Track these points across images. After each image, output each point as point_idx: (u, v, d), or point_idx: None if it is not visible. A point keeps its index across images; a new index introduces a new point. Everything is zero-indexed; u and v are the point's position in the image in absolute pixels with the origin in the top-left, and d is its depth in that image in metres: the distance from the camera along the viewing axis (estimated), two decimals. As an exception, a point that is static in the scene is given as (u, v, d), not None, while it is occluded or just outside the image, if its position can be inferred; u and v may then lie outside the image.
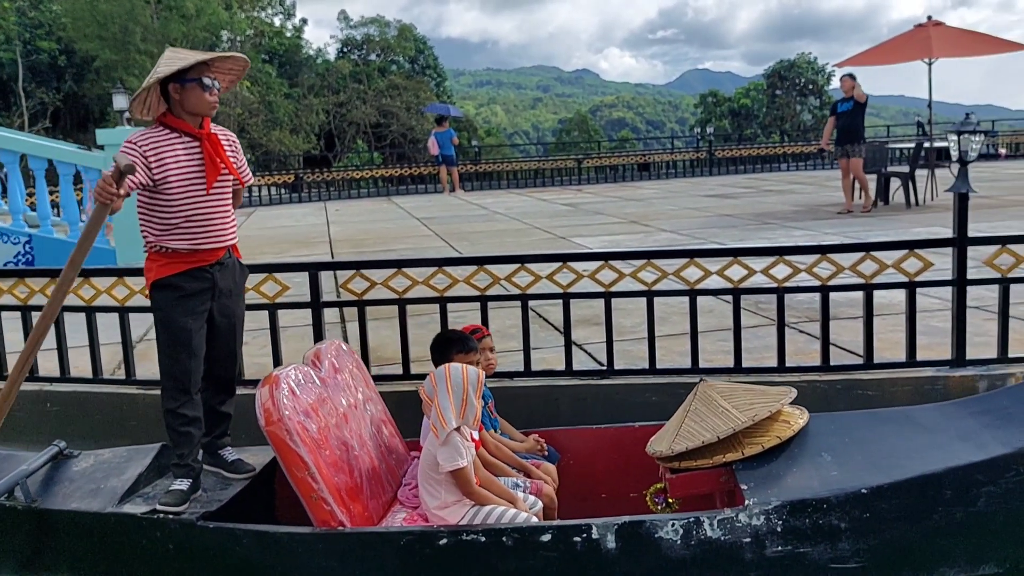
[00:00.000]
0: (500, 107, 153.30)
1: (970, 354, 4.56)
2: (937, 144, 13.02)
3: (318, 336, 4.69)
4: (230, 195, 3.43)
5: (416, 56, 45.44)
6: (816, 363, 4.61)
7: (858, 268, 4.55)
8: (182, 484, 3.24)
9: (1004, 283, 4.52)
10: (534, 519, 3.06)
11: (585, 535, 2.87)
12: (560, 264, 4.68)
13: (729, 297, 4.65)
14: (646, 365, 4.66)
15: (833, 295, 4.60)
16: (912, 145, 12.80)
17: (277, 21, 40.46)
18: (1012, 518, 3.02)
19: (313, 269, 4.74)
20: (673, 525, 2.91)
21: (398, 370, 4.81)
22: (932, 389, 4.40)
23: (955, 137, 4.70)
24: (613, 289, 4.67)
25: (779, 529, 2.93)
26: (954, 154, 4.73)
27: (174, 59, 3.22)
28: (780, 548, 2.95)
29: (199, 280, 3.28)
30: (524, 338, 4.70)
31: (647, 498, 3.39)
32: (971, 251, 4.54)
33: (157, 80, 3.17)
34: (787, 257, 4.62)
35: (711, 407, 3.32)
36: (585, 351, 5.20)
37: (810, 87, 46.56)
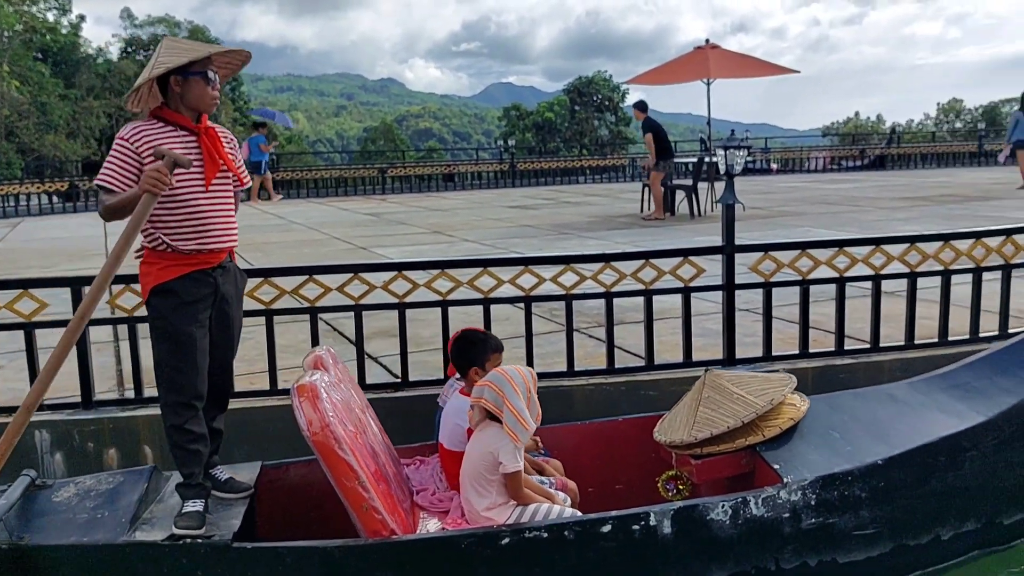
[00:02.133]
0: (302, 114, 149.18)
1: (740, 353, 4.90)
2: (716, 159, 14.07)
3: (82, 357, 4.31)
4: (231, 194, 3.26)
5: (209, 60, 43.20)
6: (602, 367, 4.78)
7: (639, 275, 4.77)
8: (196, 505, 3.03)
9: (767, 287, 4.90)
10: (577, 513, 3.09)
11: (643, 523, 2.98)
12: (351, 276, 4.56)
13: (523, 305, 4.74)
14: (442, 376, 4.64)
15: (618, 300, 4.80)
16: (695, 160, 13.74)
17: (51, 16, 37.18)
18: (988, 478, 3.45)
19: (76, 284, 4.34)
20: (723, 507, 3.06)
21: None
22: (707, 387, 4.68)
23: (723, 152, 5.04)
24: (408, 300, 4.62)
25: (813, 503, 3.16)
26: (722, 168, 5.07)
27: (178, 49, 3.06)
28: (814, 520, 3.18)
29: (202, 285, 3.09)
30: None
31: (659, 485, 3.53)
32: (739, 257, 4.89)
33: (166, 70, 2.99)
34: (574, 265, 4.77)
35: (725, 394, 3.50)
36: (380, 364, 5.10)
37: (607, 103, 48.85)
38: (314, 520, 3.48)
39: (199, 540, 2.91)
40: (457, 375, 3.68)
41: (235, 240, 3.25)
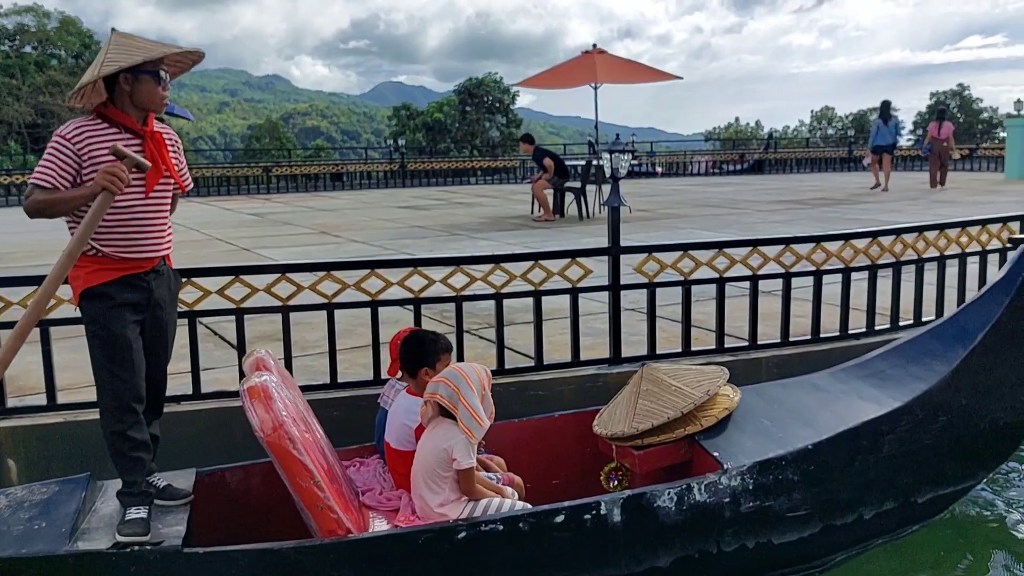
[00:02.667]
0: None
1: (626, 352, 5.00)
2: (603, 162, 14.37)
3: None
4: (169, 200, 3.19)
5: (82, 51, 41.11)
6: (492, 367, 4.78)
7: (528, 276, 4.80)
8: (140, 512, 2.96)
9: (651, 287, 5.02)
10: (528, 506, 3.13)
11: (595, 512, 3.07)
12: (233, 278, 4.40)
13: (412, 307, 4.69)
14: (327, 380, 4.55)
15: (507, 301, 4.81)
16: (583, 163, 13.97)
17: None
18: (904, 460, 3.71)
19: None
20: (669, 494, 3.20)
21: (40, 400, 4.24)
22: (594, 386, 4.76)
23: (608, 156, 5.14)
24: (292, 303, 4.50)
25: (751, 487, 3.34)
26: (607, 171, 5.16)
27: (130, 47, 2.94)
28: (752, 504, 3.35)
29: (135, 289, 3.03)
30: (192, 358, 4.36)
31: (602, 478, 3.65)
32: (625, 258, 4.99)
33: (118, 69, 2.88)
34: (464, 267, 4.75)
35: (663, 387, 3.65)
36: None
37: (497, 105, 49.09)
38: (253, 525, 3.40)
39: (147, 547, 2.83)
40: (398, 375, 3.66)
41: (170, 246, 3.19)
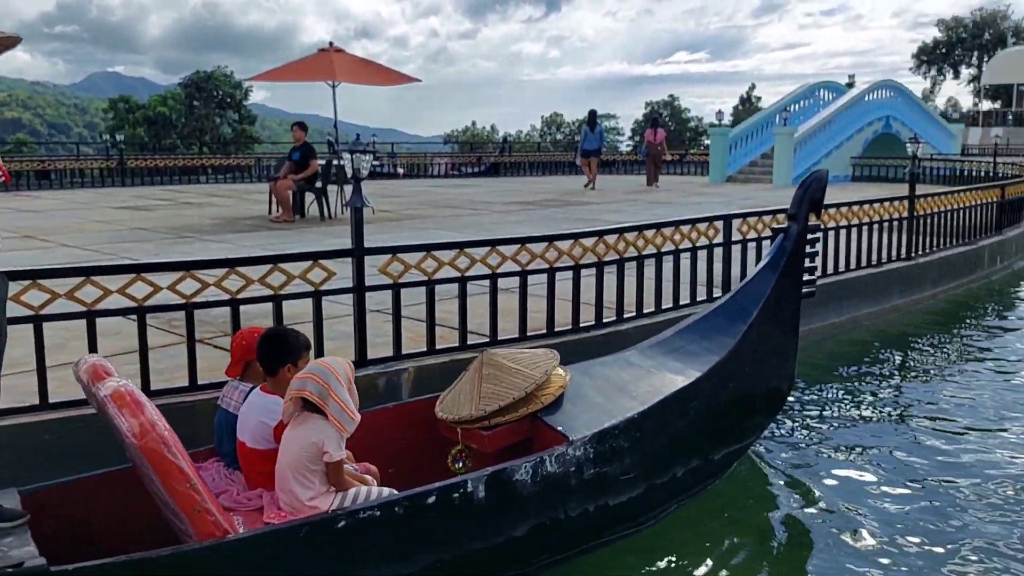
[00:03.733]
0: None
1: (372, 354, 4.96)
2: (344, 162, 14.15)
3: None
4: None
5: None
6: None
7: (267, 280, 4.60)
8: None
9: (396, 288, 5.02)
10: (394, 491, 3.21)
11: (462, 490, 3.25)
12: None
13: (136, 316, 4.31)
14: (37, 401, 4.06)
15: (245, 308, 4.58)
16: (323, 162, 13.66)
17: None
18: (704, 423, 4.24)
19: None
20: (525, 468, 3.43)
21: None
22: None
23: (349, 155, 5.06)
24: (-12, 316, 3.95)
25: (592, 456, 3.67)
26: (349, 171, 5.09)
27: None
28: (593, 471, 3.68)
29: None
30: None
31: (449, 460, 3.86)
32: (369, 260, 4.94)
33: None
34: (195, 272, 4.45)
35: (504, 370, 3.91)
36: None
37: (228, 100, 46.71)
38: (101, 541, 3.12)
39: (9, 570, 2.62)
40: (239, 376, 3.63)
41: None
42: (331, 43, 14.96)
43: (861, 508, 4.54)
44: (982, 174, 18.20)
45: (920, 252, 9.48)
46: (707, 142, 28.83)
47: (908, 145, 15.35)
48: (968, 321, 9.11)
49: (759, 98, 72.77)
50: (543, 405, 3.83)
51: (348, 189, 13.75)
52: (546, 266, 5.59)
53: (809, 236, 4.69)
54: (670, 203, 15.63)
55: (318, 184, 13.02)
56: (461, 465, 3.84)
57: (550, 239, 5.66)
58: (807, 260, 4.71)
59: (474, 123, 73.55)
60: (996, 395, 6.45)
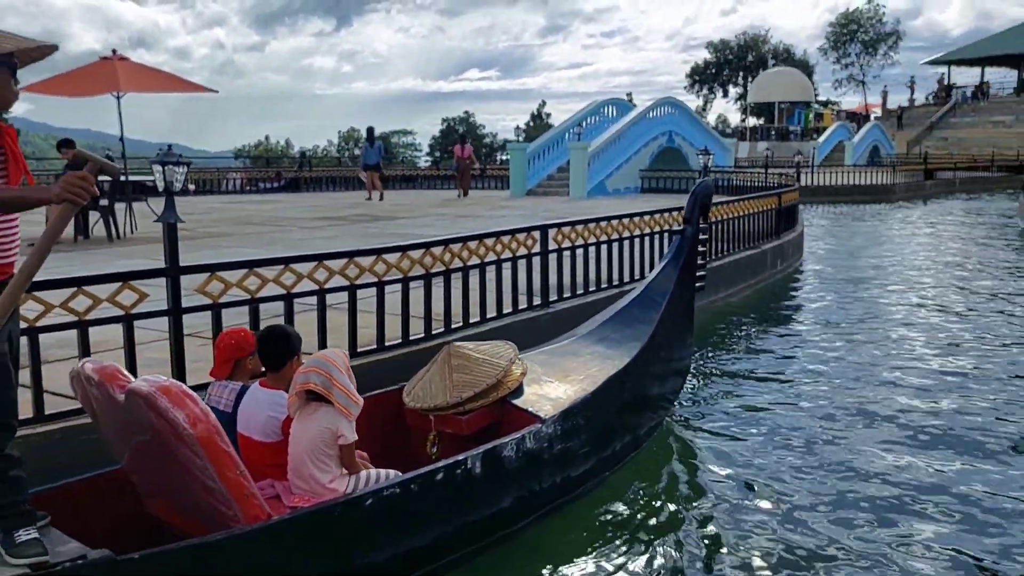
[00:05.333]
0: None
1: (191, 380, 4.61)
2: (133, 178, 13.16)
3: None
4: None
5: None
6: (29, 415, 4.07)
7: (70, 305, 4.18)
8: (30, 532, 2.81)
9: (216, 308, 4.72)
10: (398, 473, 3.52)
11: (463, 467, 3.63)
12: None
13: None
14: None
15: (44, 337, 4.14)
16: (109, 179, 12.63)
17: None
18: (632, 401, 4.90)
19: None
20: (511, 445, 3.87)
21: None
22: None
23: (160, 168, 4.71)
24: None
25: (559, 432, 4.16)
26: (160, 184, 4.74)
27: None
28: (560, 446, 4.19)
29: None
30: None
31: (428, 446, 4.18)
32: (184, 280, 4.61)
33: None
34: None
35: (472, 360, 4.31)
36: None
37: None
38: (113, 538, 3.04)
39: (78, 562, 2.73)
40: (228, 376, 3.78)
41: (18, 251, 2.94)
42: (114, 51, 13.93)
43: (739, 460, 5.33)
44: (756, 184, 19.95)
45: (713, 257, 10.21)
46: (504, 157, 29.59)
47: (700, 157, 16.52)
48: (761, 316, 9.92)
49: (549, 114, 75.93)
50: (510, 390, 4.28)
51: (138, 207, 12.88)
52: (374, 280, 5.48)
53: (700, 236, 5.58)
54: (478, 216, 15.85)
55: (103, 202, 12.02)
56: (435, 449, 4.15)
57: (379, 252, 5.55)
58: (699, 258, 5.61)
59: (267, 137, 71.27)
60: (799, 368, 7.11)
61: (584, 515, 4.44)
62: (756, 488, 4.86)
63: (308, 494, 3.33)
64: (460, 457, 3.66)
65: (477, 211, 17.29)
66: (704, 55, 72.92)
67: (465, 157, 23.22)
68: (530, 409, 4.16)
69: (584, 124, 25.47)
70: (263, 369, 3.69)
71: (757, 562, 4.03)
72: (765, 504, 4.65)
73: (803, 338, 8.92)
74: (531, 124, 71.75)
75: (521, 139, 31.49)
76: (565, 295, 7.32)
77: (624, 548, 4.17)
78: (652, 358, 5.03)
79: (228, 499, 2.95)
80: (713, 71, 70.86)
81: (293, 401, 3.36)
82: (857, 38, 65.60)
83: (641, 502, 4.70)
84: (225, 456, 2.92)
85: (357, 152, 63.20)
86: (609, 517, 4.48)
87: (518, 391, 4.30)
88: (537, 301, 6.96)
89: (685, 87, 71.43)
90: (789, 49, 69.96)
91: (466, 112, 73.88)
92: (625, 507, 4.60)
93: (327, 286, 5.20)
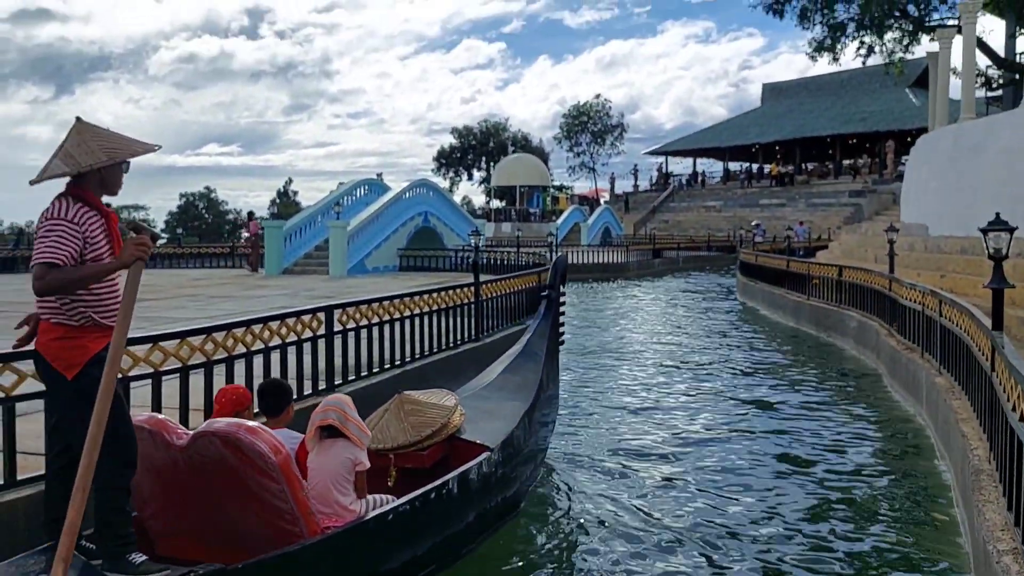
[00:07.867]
0: None
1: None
2: None
3: None
4: None
5: None
6: None
7: None
8: (141, 555, 3.31)
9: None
10: (392, 497, 4.25)
11: (447, 489, 4.42)
12: None
13: None
14: None
15: None
16: None
17: None
18: (537, 433, 5.95)
19: None
20: (475, 471, 4.72)
21: None
22: None
23: None
24: None
25: (502, 459, 5.06)
26: None
27: (115, 139, 3.34)
28: (501, 471, 5.06)
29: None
30: None
31: (390, 480, 4.72)
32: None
33: (114, 161, 3.30)
34: None
35: (423, 405, 5.15)
36: None
37: None
38: None
39: (190, 574, 3.17)
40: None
41: None
42: None
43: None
44: (508, 263, 20.78)
45: (486, 332, 10.42)
46: (246, 235, 28.34)
47: (471, 237, 16.86)
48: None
49: (296, 192, 74.79)
50: (457, 427, 5.16)
51: None
52: (150, 371, 4.96)
53: (561, 299, 7.01)
54: (234, 296, 15.05)
55: None
56: (394, 481, 4.68)
57: (154, 339, 5.04)
58: (561, 316, 6.94)
59: (-27, 211, 63.54)
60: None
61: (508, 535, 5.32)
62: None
63: (333, 516, 3.85)
64: (445, 479, 4.45)
65: (231, 291, 16.40)
66: (448, 139, 75.82)
67: (253, 233, 24.27)
68: (479, 440, 5.07)
69: (342, 203, 25.31)
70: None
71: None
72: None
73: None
74: (278, 201, 70.16)
75: (275, 215, 30.58)
76: (350, 377, 7.09)
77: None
78: (542, 397, 6.10)
79: (297, 516, 3.50)
80: (458, 155, 73.79)
81: (312, 435, 3.98)
82: (587, 128, 71.39)
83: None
84: (296, 480, 3.51)
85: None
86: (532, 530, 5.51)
87: (464, 427, 5.22)
88: (323, 385, 6.67)
89: (432, 169, 73.60)
90: (527, 136, 74.78)
91: (207, 187, 70.74)
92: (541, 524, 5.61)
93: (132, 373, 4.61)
